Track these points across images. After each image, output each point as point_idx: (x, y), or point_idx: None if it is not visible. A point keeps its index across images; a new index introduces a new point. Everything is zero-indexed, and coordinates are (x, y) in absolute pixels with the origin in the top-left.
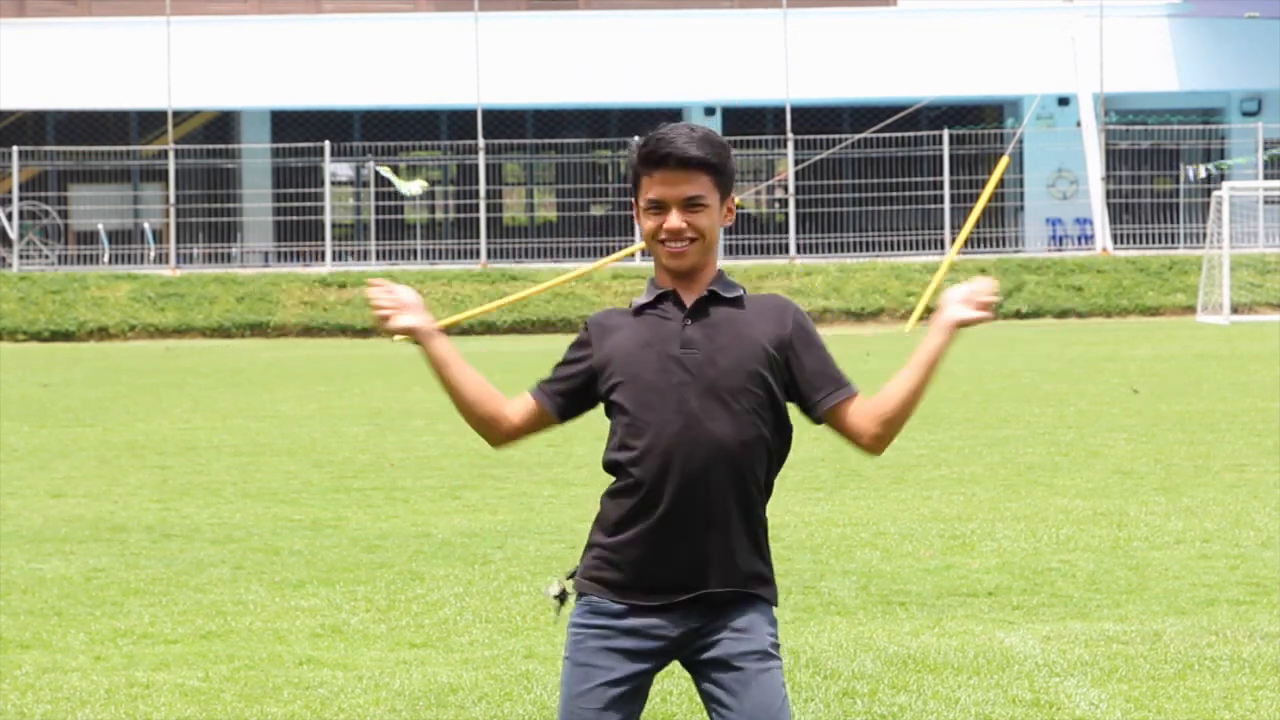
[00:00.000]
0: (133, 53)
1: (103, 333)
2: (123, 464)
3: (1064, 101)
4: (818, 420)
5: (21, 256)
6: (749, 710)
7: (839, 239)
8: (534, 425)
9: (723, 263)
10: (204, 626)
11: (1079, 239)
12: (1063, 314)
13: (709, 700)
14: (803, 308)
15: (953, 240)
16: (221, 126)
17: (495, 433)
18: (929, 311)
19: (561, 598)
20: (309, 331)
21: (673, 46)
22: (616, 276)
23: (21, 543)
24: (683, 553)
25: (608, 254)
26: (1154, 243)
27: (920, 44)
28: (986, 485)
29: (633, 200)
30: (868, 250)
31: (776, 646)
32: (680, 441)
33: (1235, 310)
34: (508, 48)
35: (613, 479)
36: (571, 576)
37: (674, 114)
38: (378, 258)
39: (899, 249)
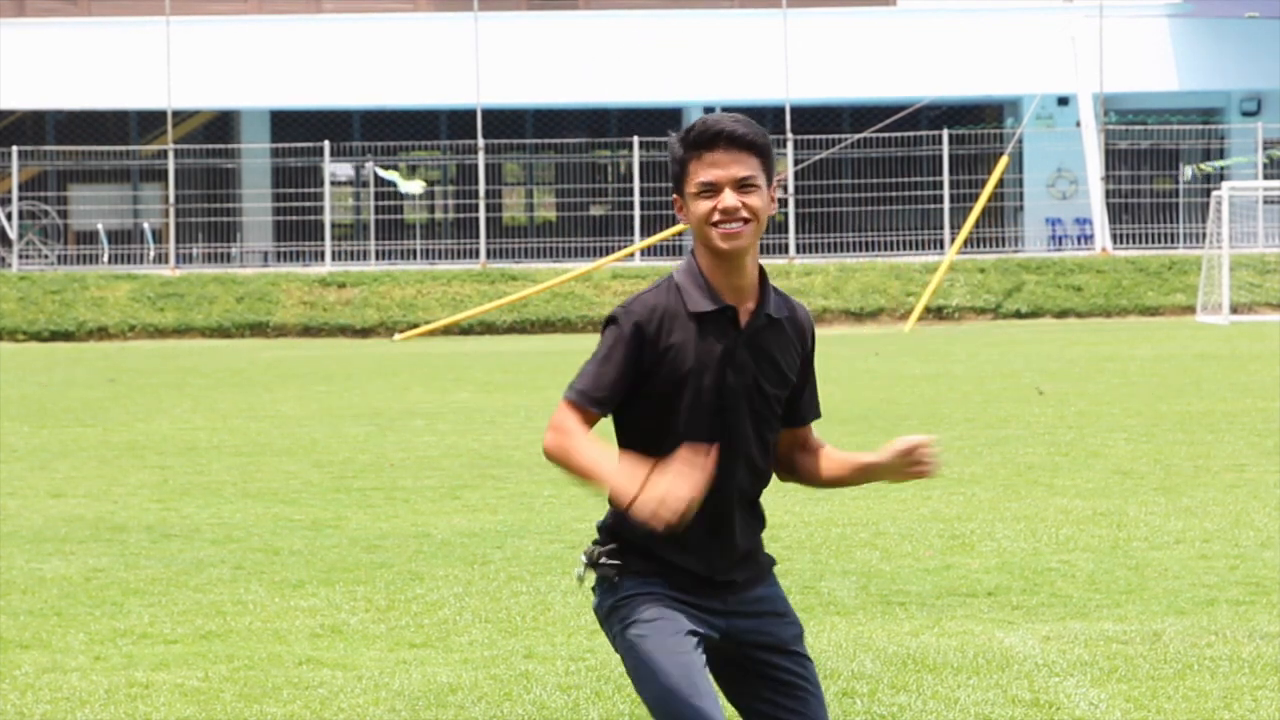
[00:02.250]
0: (132, 53)
1: (103, 333)
2: (123, 464)
3: (1064, 101)
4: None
5: (21, 256)
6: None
7: (839, 239)
8: None
9: None
10: (204, 626)
11: (1079, 239)
12: (1062, 314)
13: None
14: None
15: (953, 240)
16: (221, 126)
17: None
18: (929, 311)
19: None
20: (309, 331)
21: (673, 46)
22: (616, 276)
23: (21, 543)
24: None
25: (607, 254)
26: (1153, 243)
27: (920, 44)
28: (986, 485)
29: (675, 196)
30: (868, 250)
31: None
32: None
33: (1235, 310)
34: (508, 48)
35: None
36: (601, 563)
37: (674, 114)
38: (377, 258)
39: (899, 249)
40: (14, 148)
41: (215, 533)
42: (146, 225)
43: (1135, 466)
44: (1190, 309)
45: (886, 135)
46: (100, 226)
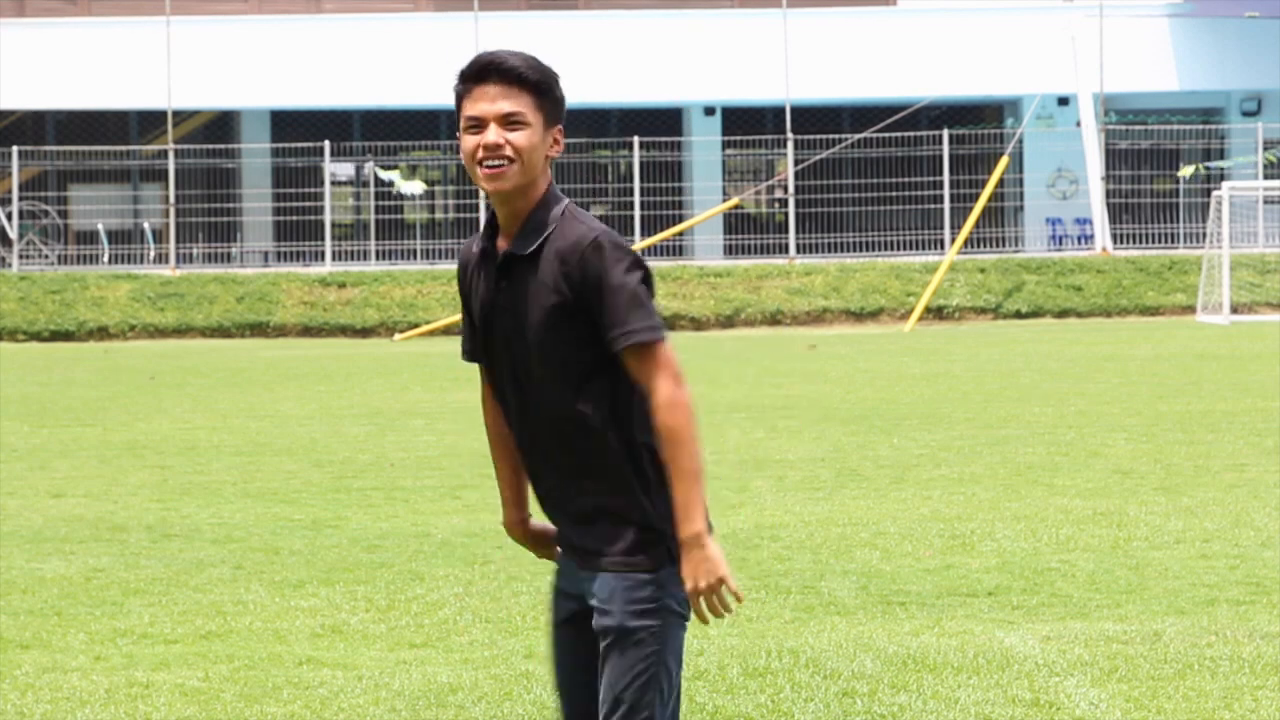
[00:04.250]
0: (133, 53)
1: (103, 333)
2: (123, 464)
3: (1064, 101)
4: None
5: (21, 256)
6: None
7: (839, 239)
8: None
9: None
10: (204, 626)
11: (1079, 239)
12: (1063, 314)
13: None
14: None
15: (953, 240)
16: (221, 126)
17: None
18: (929, 311)
19: None
20: (309, 331)
21: (673, 46)
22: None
23: (21, 543)
24: None
25: None
26: (1154, 243)
27: (920, 44)
28: (986, 485)
29: (456, 133)
30: (868, 250)
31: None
32: None
33: (1235, 310)
34: (507, 48)
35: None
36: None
37: (674, 114)
38: (378, 258)
39: (899, 249)
40: (14, 148)
41: (215, 533)
42: (147, 225)
43: (1135, 466)
44: (1190, 309)
45: (886, 135)
46: (100, 226)
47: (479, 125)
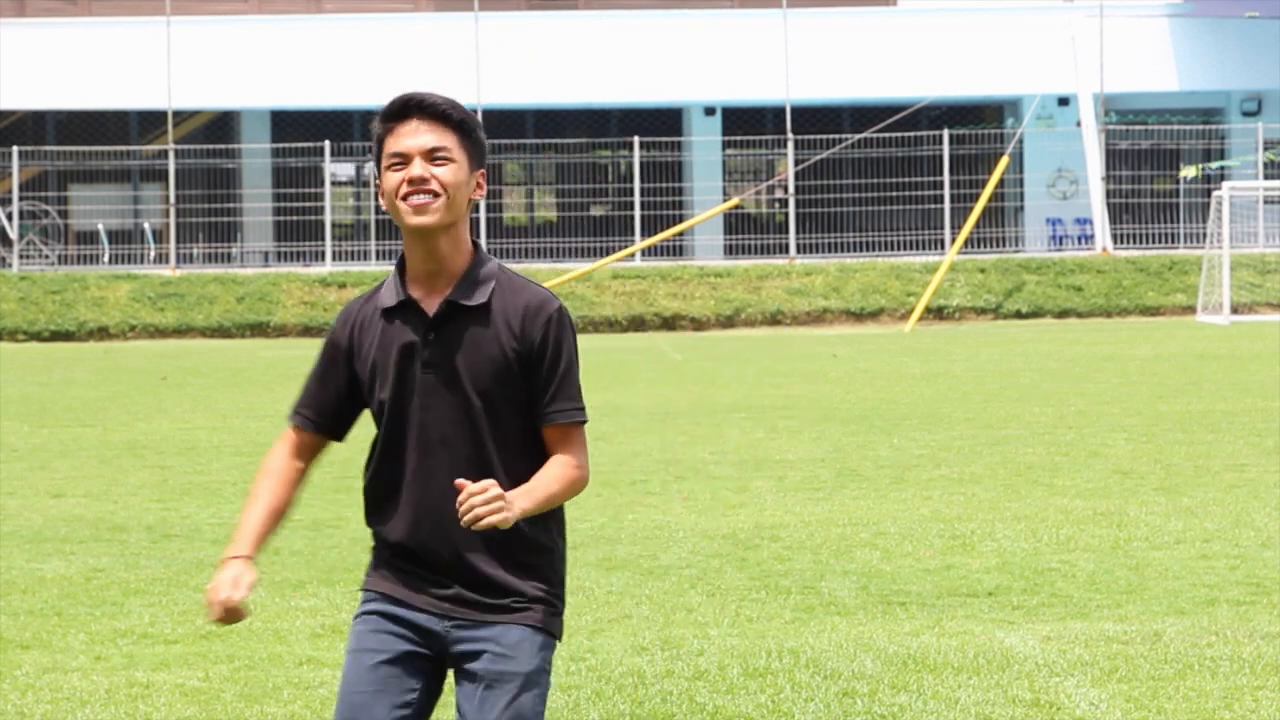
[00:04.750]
0: (133, 53)
1: (103, 333)
2: (123, 464)
3: (1064, 101)
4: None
5: (21, 256)
6: None
7: (839, 239)
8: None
9: (721, 262)
10: (204, 626)
11: (1079, 239)
12: (1063, 314)
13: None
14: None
15: (953, 240)
16: (221, 126)
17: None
18: (929, 311)
19: None
20: (309, 331)
21: (673, 46)
22: (616, 276)
23: (21, 543)
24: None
25: (608, 254)
26: (1154, 243)
27: (920, 44)
28: (986, 485)
29: (376, 177)
30: (868, 250)
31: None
32: None
33: (1235, 310)
34: (508, 48)
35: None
36: None
37: (674, 114)
38: (378, 258)
39: (899, 249)
40: (14, 148)
41: (215, 533)
42: (147, 225)
43: (1135, 466)
44: (1190, 309)
45: (887, 135)
46: (100, 226)
47: (403, 160)
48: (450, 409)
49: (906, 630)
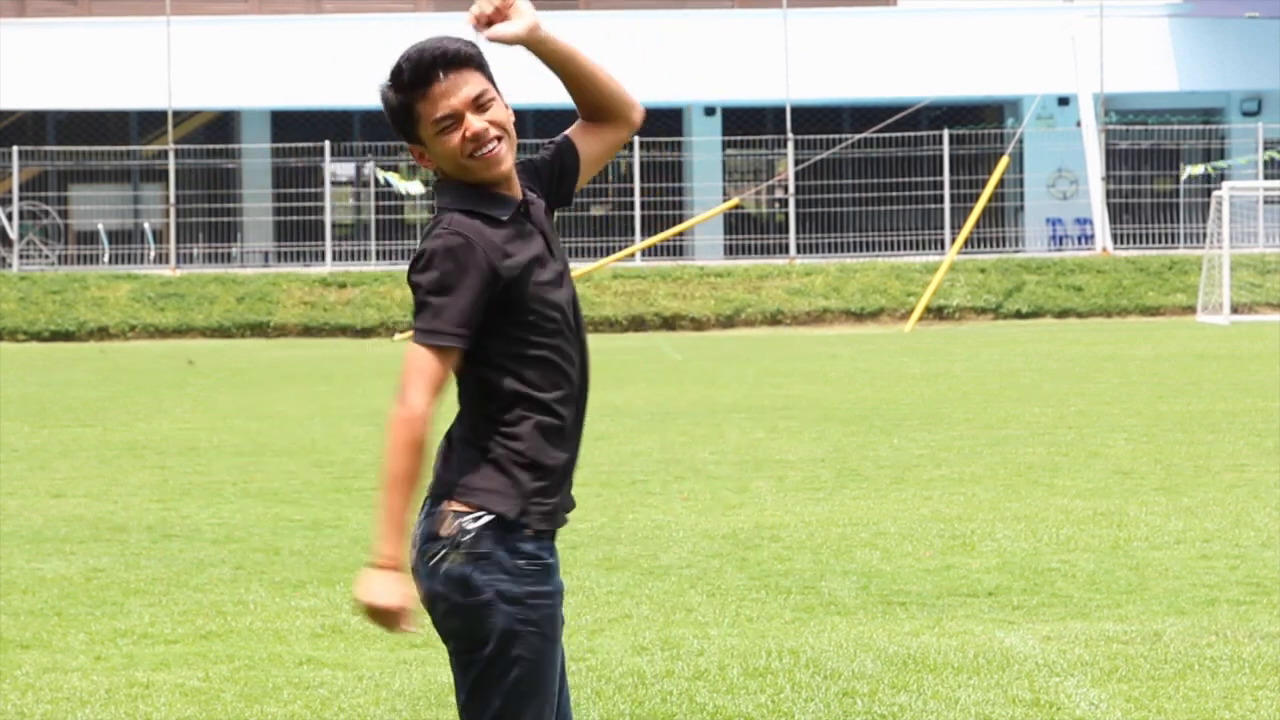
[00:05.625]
0: (133, 53)
1: (103, 333)
2: (123, 464)
3: (1064, 101)
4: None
5: (21, 256)
6: None
7: (839, 239)
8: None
9: (721, 262)
10: (204, 626)
11: (1079, 239)
12: (1063, 314)
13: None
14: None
15: (953, 240)
16: (221, 126)
17: None
18: (929, 311)
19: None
20: (309, 331)
21: (673, 46)
22: (616, 276)
23: (21, 543)
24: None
25: (608, 254)
26: (1154, 243)
27: (920, 44)
28: (986, 485)
29: (412, 149)
30: (868, 250)
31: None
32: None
33: (1235, 310)
34: (507, 48)
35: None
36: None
37: (674, 114)
38: (378, 258)
39: (899, 249)
40: (14, 148)
41: (216, 533)
42: (147, 225)
43: (1135, 466)
44: (1190, 309)
45: (887, 135)
46: (100, 226)
47: (454, 120)
48: (576, 304)
49: (906, 630)
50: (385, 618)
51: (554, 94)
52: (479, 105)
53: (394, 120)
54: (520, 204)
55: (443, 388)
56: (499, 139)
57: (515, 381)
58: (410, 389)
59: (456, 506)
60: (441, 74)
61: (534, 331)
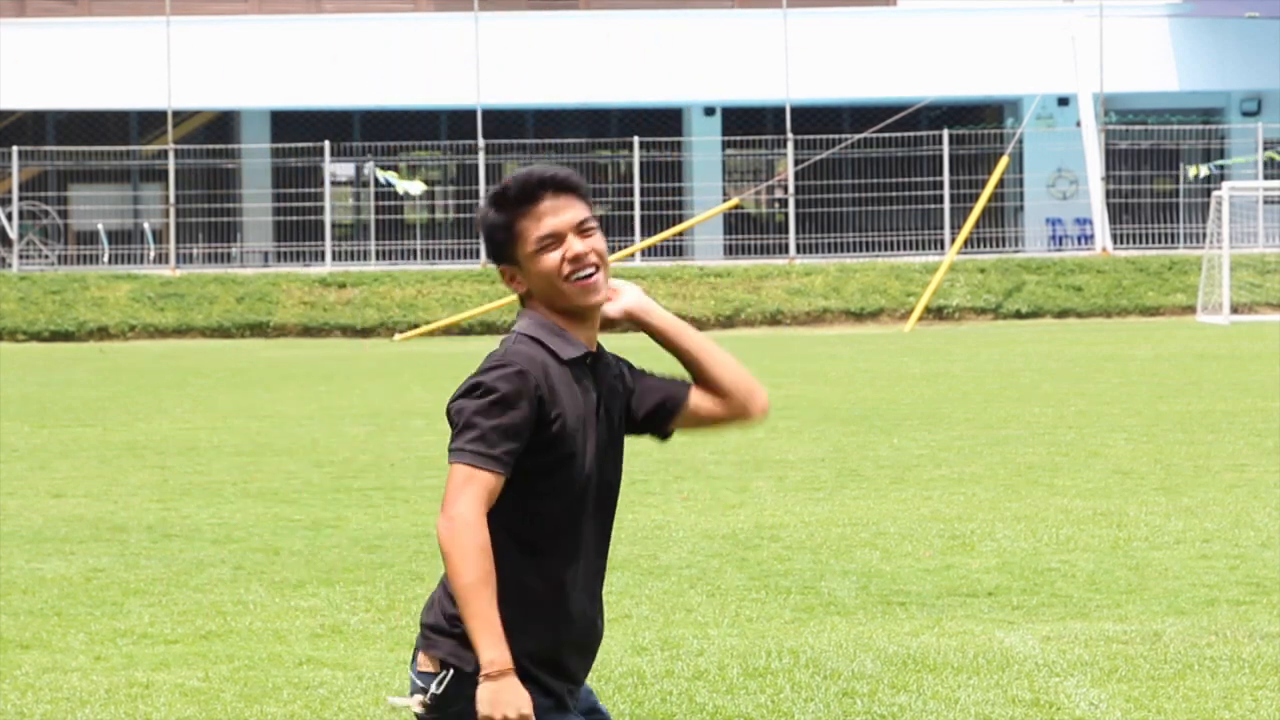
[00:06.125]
0: (133, 53)
1: (103, 333)
2: (123, 464)
3: (1064, 101)
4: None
5: (21, 256)
6: None
7: (839, 239)
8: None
9: (721, 262)
10: (204, 626)
11: (1079, 239)
12: (1063, 314)
13: None
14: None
15: (953, 240)
16: (221, 126)
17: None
18: (929, 311)
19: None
20: (309, 331)
21: (673, 46)
22: (616, 276)
23: (21, 543)
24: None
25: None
26: (1154, 243)
27: (920, 44)
28: (986, 485)
29: (504, 270)
30: (868, 250)
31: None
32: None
33: (1235, 310)
34: (508, 48)
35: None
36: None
37: (674, 114)
38: (378, 258)
39: (899, 249)
40: (14, 148)
41: (215, 533)
42: (147, 225)
43: (1135, 466)
44: (1190, 309)
45: (886, 135)
46: (100, 226)
47: (556, 240)
48: (612, 464)
49: (906, 630)
50: None
51: (554, 94)
52: (582, 230)
53: (491, 239)
54: (588, 354)
55: (489, 503)
56: (597, 267)
57: (505, 525)
58: (456, 500)
59: (423, 665)
60: (549, 194)
61: (541, 483)
